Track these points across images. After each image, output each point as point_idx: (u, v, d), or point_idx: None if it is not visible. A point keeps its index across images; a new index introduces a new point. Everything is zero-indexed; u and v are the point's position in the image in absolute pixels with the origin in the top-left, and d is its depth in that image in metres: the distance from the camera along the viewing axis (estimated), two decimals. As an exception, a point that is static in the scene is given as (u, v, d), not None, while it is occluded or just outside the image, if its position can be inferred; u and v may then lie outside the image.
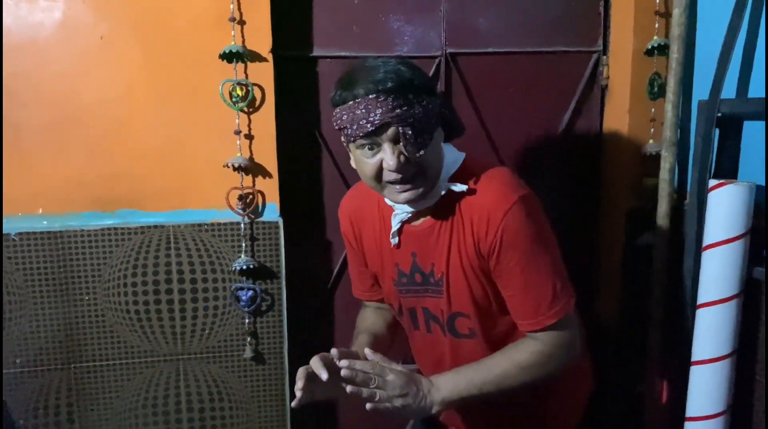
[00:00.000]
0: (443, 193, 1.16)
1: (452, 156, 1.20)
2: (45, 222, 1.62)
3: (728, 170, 1.60)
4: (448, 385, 1.13)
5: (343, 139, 1.13)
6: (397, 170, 1.09)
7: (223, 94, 1.60)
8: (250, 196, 1.66)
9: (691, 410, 1.56)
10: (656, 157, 1.75)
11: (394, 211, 1.22)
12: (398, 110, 1.06)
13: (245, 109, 1.62)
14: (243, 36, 1.60)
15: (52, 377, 1.66)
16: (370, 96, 1.06)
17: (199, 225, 1.65)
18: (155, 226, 1.64)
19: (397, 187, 1.12)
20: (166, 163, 1.63)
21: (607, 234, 1.90)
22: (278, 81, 1.65)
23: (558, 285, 1.14)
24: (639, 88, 1.76)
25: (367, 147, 1.10)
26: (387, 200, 1.21)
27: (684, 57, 1.68)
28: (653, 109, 1.76)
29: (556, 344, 1.16)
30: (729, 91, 1.56)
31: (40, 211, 1.62)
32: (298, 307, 1.79)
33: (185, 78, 1.60)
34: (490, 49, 1.80)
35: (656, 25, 1.73)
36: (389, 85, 1.06)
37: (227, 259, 1.67)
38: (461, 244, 1.16)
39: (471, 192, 1.15)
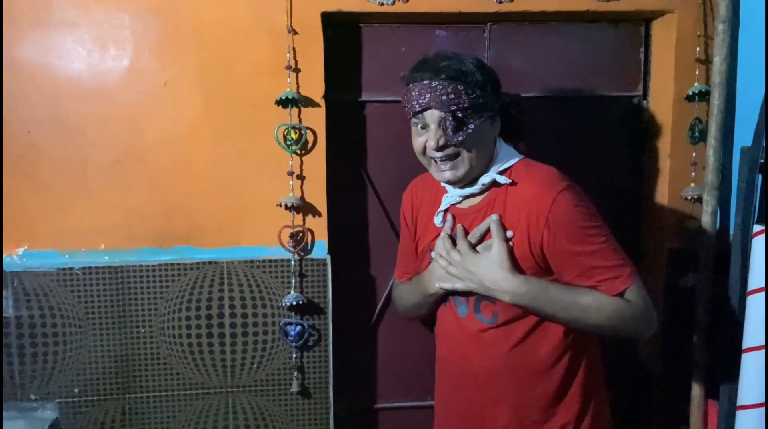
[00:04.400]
0: (488, 181, 1.29)
1: (508, 154, 1.33)
2: (106, 257, 1.70)
3: (772, 215, 1.61)
4: (526, 283, 1.23)
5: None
6: (436, 149, 1.25)
7: (278, 138, 1.68)
8: (301, 234, 1.73)
9: (738, 456, 1.56)
10: (697, 201, 1.78)
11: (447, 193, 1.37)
12: (444, 98, 1.21)
13: (298, 151, 1.70)
14: (298, 83, 1.68)
15: (108, 406, 1.72)
16: (425, 82, 1.24)
17: (251, 261, 1.72)
18: (209, 262, 1.71)
19: (439, 164, 1.28)
20: (222, 201, 1.71)
21: (649, 275, 1.91)
22: (328, 124, 1.73)
23: (618, 256, 1.23)
24: (679, 133, 1.80)
25: (419, 125, 1.28)
26: (442, 183, 1.36)
27: (725, 103, 1.72)
28: (694, 154, 1.79)
29: (637, 300, 1.23)
30: (771, 137, 1.59)
31: (102, 246, 1.70)
32: (342, 342, 1.83)
33: (243, 122, 1.69)
34: (531, 94, 1.85)
35: (697, 72, 1.77)
36: (443, 75, 1.22)
37: (277, 295, 1.73)
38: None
39: (517, 184, 1.27)
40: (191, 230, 1.71)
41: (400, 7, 1.67)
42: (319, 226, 1.74)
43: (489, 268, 1.25)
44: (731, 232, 1.75)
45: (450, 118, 1.22)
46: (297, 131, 1.69)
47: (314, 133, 1.71)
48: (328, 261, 1.75)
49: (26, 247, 1.68)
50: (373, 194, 1.87)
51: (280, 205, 1.70)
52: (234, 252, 1.72)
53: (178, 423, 1.75)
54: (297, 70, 1.68)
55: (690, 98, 1.77)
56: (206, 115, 1.68)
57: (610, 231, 1.25)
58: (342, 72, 1.78)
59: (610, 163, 1.91)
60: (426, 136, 1.26)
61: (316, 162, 1.72)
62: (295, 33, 1.66)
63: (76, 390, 1.71)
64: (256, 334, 1.74)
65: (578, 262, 1.22)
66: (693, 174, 1.80)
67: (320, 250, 1.75)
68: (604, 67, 1.87)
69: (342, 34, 1.77)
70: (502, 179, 1.28)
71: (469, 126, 1.23)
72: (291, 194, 1.71)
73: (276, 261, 1.72)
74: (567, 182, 1.24)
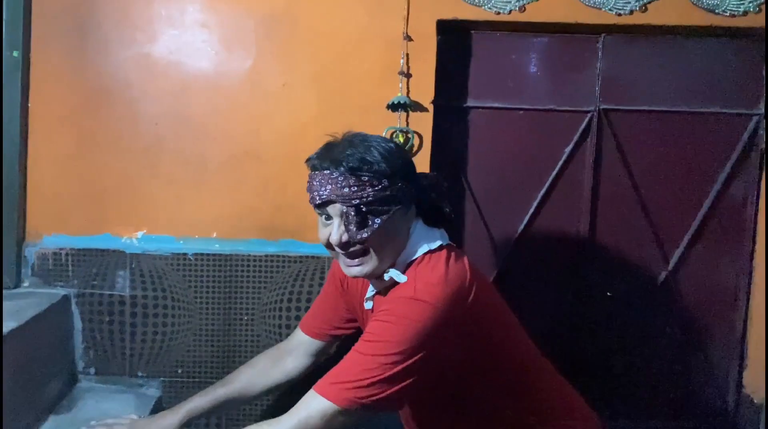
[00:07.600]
0: (387, 278, 1.15)
1: (419, 242, 1.18)
2: (217, 245, 1.79)
3: None
4: None
5: None
6: (339, 246, 1.13)
7: (386, 140, 1.72)
8: (401, 236, 1.75)
9: None
10: (822, 226, 1.68)
11: None
12: (346, 190, 1.09)
13: (405, 154, 1.73)
14: (408, 88, 1.72)
15: (208, 389, 1.80)
16: (325, 171, 1.12)
17: (352, 259, 1.76)
18: (312, 257, 1.76)
19: (346, 260, 1.16)
20: (328, 199, 1.76)
21: (759, 301, 1.82)
22: (434, 128, 1.75)
23: (369, 380, 1.04)
24: (804, 154, 1.71)
25: (323, 216, 1.16)
26: None
27: None
28: (818, 176, 1.70)
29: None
30: None
31: (215, 234, 1.79)
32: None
33: (353, 123, 1.70)
34: (644, 107, 1.81)
35: (827, 92, 1.68)
36: (343, 165, 1.10)
37: (374, 294, 1.76)
38: None
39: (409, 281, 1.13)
40: (297, 225, 1.78)
41: (516, 16, 1.68)
42: (419, 228, 1.76)
43: None
44: None
45: (353, 213, 1.10)
46: (404, 134, 1.72)
47: (420, 137, 1.74)
48: (426, 263, 1.76)
49: (145, 231, 1.80)
50: (470, 200, 1.88)
51: (384, 206, 1.73)
52: (336, 249, 1.77)
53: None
54: (408, 75, 1.71)
55: (818, 118, 1.68)
56: (319, 116, 1.75)
57: (410, 366, 1.05)
58: (450, 77, 1.80)
59: (728, 180, 1.83)
60: (330, 229, 1.15)
61: (421, 165, 1.74)
62: (410, 39, 1.70)
63: (180, 370, 1.80)
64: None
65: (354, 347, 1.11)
66: (817, 198, 1.70)
67: (419, 252, 1.77)
68: (723, 84, 1.81)
69: (452, 40, 1.79)
70: (400, 278, 1.13)
71: (376, 221, 1.11)
72: (395, 196, 1.74)
73: (376, 260, 1.76)
74: (435, 301, 1.06)
